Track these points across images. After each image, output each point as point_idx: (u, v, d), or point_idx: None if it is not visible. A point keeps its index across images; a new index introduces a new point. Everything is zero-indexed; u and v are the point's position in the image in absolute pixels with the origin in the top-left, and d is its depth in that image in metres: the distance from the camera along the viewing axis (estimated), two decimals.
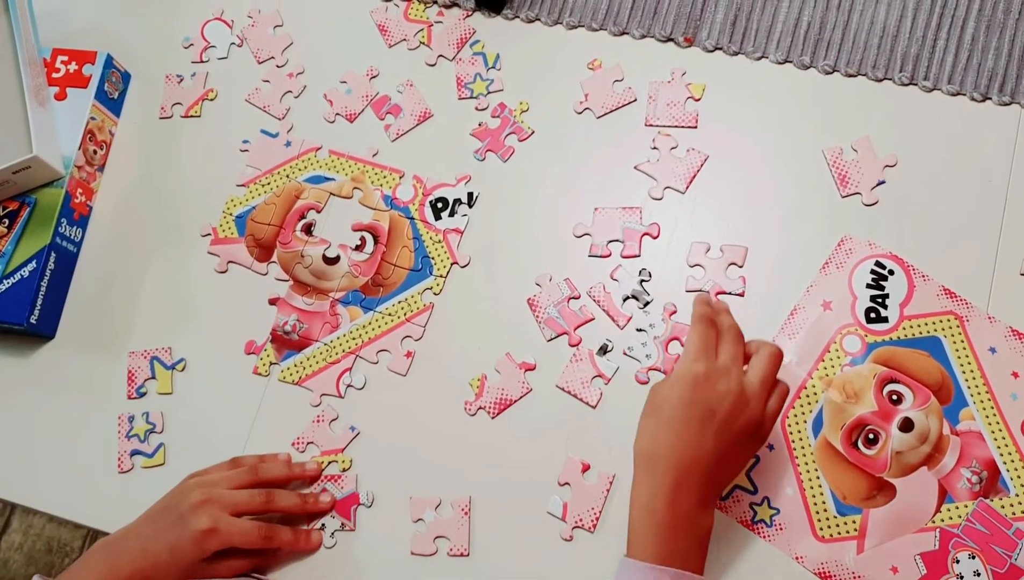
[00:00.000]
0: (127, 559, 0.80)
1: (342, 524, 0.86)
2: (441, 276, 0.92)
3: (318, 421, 0.89)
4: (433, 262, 0.92)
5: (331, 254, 0.94)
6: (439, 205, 0.94)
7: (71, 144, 0.97)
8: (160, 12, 1.06)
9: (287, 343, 0.92)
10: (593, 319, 0.88)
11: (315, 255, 0.94)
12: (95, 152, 0.99)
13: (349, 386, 0.90)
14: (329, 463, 0.88)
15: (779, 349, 0.75)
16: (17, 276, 0.92)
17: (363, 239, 0.94)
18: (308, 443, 0.88)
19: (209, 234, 0.96)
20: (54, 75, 0.99)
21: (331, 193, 0.96)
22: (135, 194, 1.00)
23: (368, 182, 0.96)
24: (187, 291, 0.95)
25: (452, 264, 0.92)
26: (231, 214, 0.97)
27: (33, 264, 0.92)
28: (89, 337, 0.95)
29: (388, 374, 0.90)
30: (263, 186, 0.97)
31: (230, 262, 0.95)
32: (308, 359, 0.91)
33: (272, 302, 0.93)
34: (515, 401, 0.87)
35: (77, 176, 0.97)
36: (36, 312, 0.92)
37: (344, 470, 0.87)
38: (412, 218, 0.94)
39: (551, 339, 0.88)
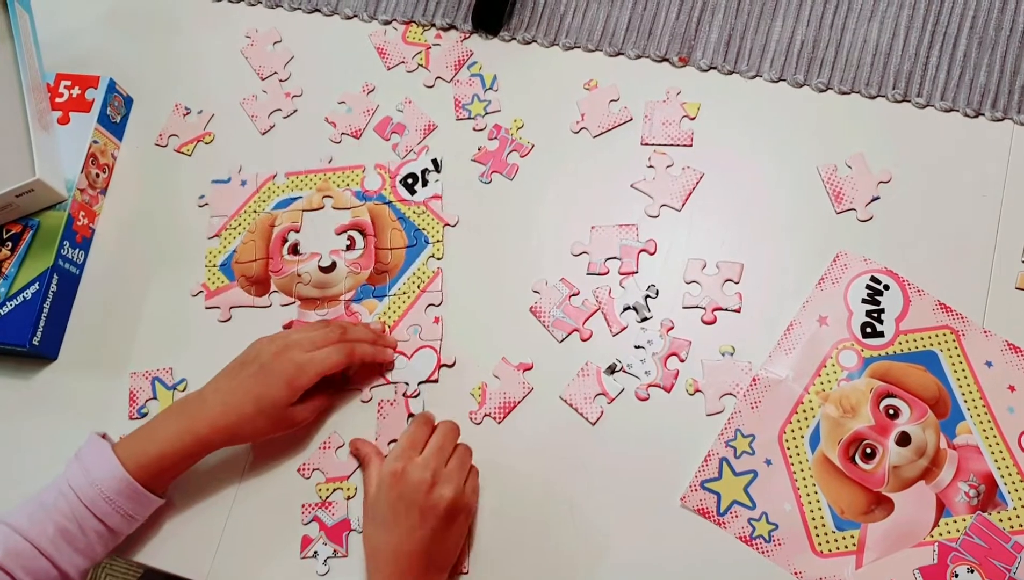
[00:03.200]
0: (205, 416, 0.82)
1: (334, 551, 0.86)
2: (438, 241, 0.94)
3: (324, 448, 0.89)
4: (425, 232, 0.94)
5: (325, 263, 0.95)
6: (410, 180, 0.97)
7: (74, 167, 0.98)
8: (162, 37, 1.08)
9: None
10: (599, 309, 0.89)
11: (311, 270, 0.95)
12: (97, 175, 1.00)
13: (394, 376, 0.90)
14: (334, 491, 0.88)
15: (454, 425, 0.84)
16: (20, 298, 0.93)
17: (351, 238, 0.96)
18: (313, 470, 0.89)
19: (201, 292, 0.97)
20: (57, 99, 1.01)
21: (303, 210, 0.98)
22: (137, 217, 1.01)
23: (334, 186, 0.98)
24: (189, 312, 0.96)
25: (443, 226, 0.94)
26: (215, 265, 0.97)
27: (36, 286, 0.93)
28: (91, 358, 0.96)
29: (429, 369, 0.91)
30: (234, 230, 0.98)
31: (232, 308, 0.96)
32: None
33: (287, 327, 0.94)
34: (518, 402, 0.88)
35: (79, 199, 0.98)
36: (39, 334, 0.93)
37: (348, 498, 0.87)
38: (389, 202, 0.96)
39: (563, 340, 0.89)
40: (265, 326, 0.94)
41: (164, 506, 0.86)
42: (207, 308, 0.96)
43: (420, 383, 0.90)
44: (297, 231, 0.97)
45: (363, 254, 0.95)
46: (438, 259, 0.93)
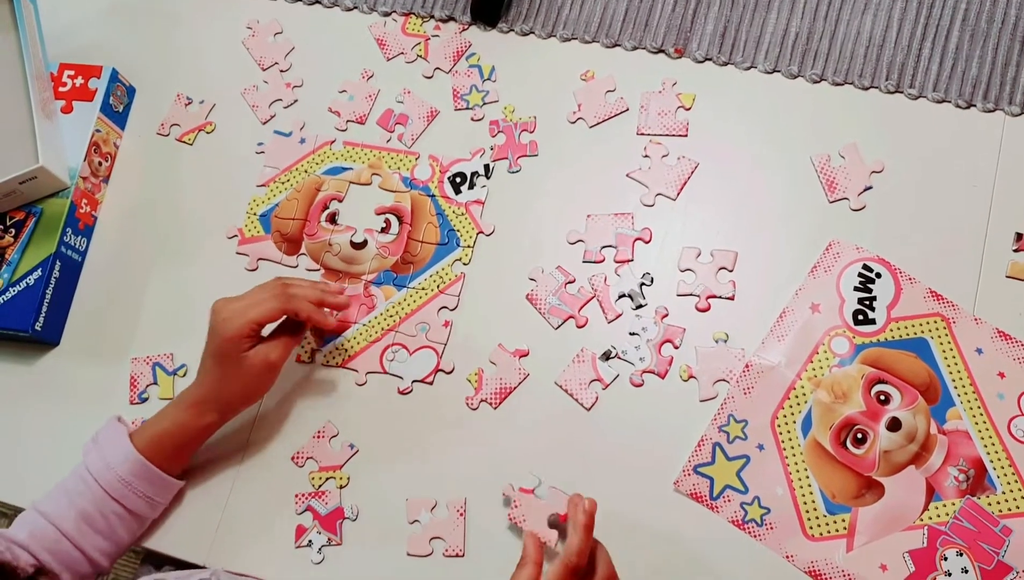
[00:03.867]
0: (190, 391, 0.86)
1: (328, 539, 0.87)
2: (469, 246, 0.94)
3: (318, 437, 0.90)
4: (459, 234, 0.95)
5: (358, 239, 0.96)
6: (457, 180, 0.97)
7: (77, 156, 0.99)
8: (165, 28, 1.09)
9: (326, 329, 0.92)
10: (595, 297, 0.90)
11: (343, 242, 0.97)
12: (100, 164, 1.02)
13: (392, 368, 0.91)
14: (327, 479, 0.89)
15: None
16: (23, 284, 0.94)
17: (387, 221, 0.97)
18: (307, 458, 0.90)
19: (236, 236, 0.99)
20: (61, 89, 1.02)
21: (351, 182, 0.99)
22: (139, 204, 1.02)
23: (385, 167, 0.98)
24: (190, 298, 0.97)
25: (477, 234, 0.94)
26: (255, 214, 0.99)
27: (38, 272, 0.94)
28: (93, 344, 0.97)
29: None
30: (282, 184, 1.00)
31: (260, 259, 0.97)
32: (349, 341, 0.93)
33: None
34: (514, 388, 0.89)
35: (82, 187, 0.99)
36: (41, 319, 0.94)
37: (341, 487, 0.88)
38: (433, 196, 0.97)
39: (559, 326, 0.90)
40: None
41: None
42: (238, 253, 0.98)
43: (415, 381, 0.91)
44: (340, 201, 0.98)
45: (395, 240, 0.96)
46: (464, 264, 0.94)
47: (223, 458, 0.91)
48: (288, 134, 1.02)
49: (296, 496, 0.89)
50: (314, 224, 0.98)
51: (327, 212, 0.98)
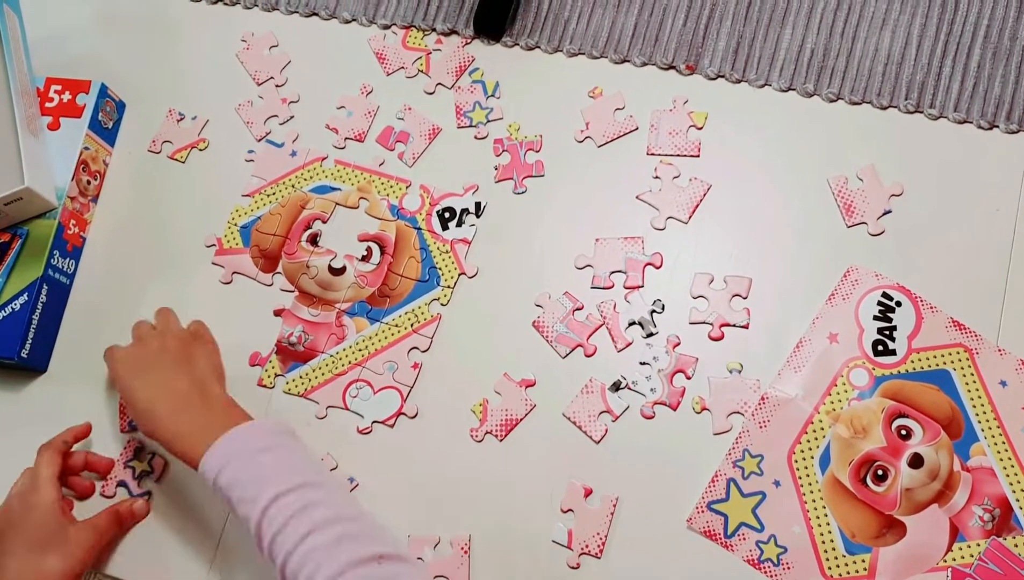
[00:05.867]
0: None
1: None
2: (448, 287, 0.91)
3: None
4: (440, 273, 0.91)
5: (337, 265, 0.93)
6: (446, 215, 0.93)
7: (64, 174, 0.95)
8: (156, 40, 1.05)
9: (292, 355, 0.91)
10: (604, 324, 0.87)
11: (321, 266, 0.93)
12: (89, 182, 0.98)
13: (353, 405, 0.88)
14: None
15: None
16: (8, 309, 0.90)
17: (369, 249, 0.93)
18: None
19: (214, 245, 0.96)
20: (47, 104, 0.98)
21: (337, 203, 0.95)
22: (129, 225, 0.98)
23: (375, 192, 0.95)
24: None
25: (459, 274, 0.91)
26: (236, 224, 0.96)
27: (25, 297, 0.91)
28: (82, 370, 0.93)
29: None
30: (268, 196, 0.97)
31: (235, 273, 0.94)
32: (314, 371, 0.90)
33: (277, 313, 0.92)
34: (520, 419, 0.86)
35: (70, 207, 0.95)
36: (27, 346, 0.91)
37: None
38: (419, 228, 0.93)
39: (566, 355, 0.87)
40: (261, 303, 0.93)
41: (154, 526, 0.86)
42: (214, 264, 0.95)
43: (375, 422, 0.87)
44: (324, 221, 0.95)
45: (375, 270, 0.92)
46: (443, 305, 0.90)
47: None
48: (280, 145, 0.98)
49: None
50: (294, 243, 0.95)
51: (309, 232, 0.95)
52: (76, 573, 0.81)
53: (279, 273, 0.94)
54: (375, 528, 0.75)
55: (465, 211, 0.93)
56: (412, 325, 0.90)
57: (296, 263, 0.94)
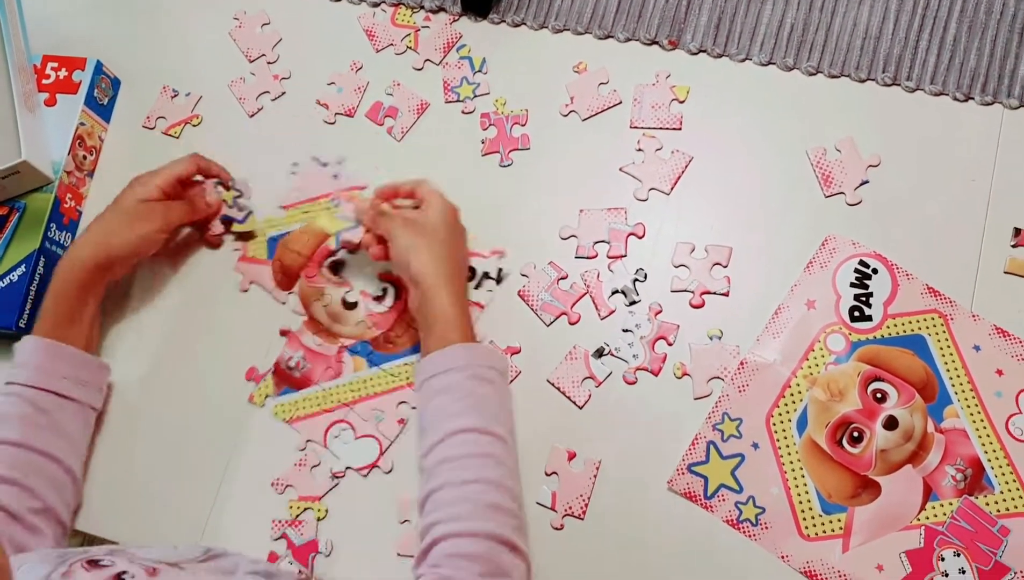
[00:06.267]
0: (71, 248, 0.89)
1: (299, 571, 0.84)
2: None
3: (300, 465, 0.88)
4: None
5: (351, 299, 0.93)
6: (467, 274, 0.91)
7: (61, 150, 0.97)
8: (150, 19, 1.07)
9: (288, 379, 0.91)
10: (587, 293, 0.89)
11: (335, 296, 0.93)
12: (84, 157, 1.00)
13: (333, 445, 0.88)
14: (305, 510, 0.86)
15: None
16: (6, 280, 0.92)
17: (385, 290, 0.93)
18: (287, 486, 0.87)
19: (239, 250, 0.96)
20: (44, 81, 1.00)
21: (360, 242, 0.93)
22: None
23: None
24: (174, 293, 0.96)
25: None
26: (265, 234, 0.96)
27: (22, 268, 0.92)
28: None
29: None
30: (304, 213, 0.96)
31: (252, 282, 0.95)
32: (304, 400, 0.90)
33: (283, 334, 0.93)
34: None
35: (66, 181, 0.97)
36: (25, 316, 0.92)
37: (319, 519, 0.86)
38: None
39: (551, 323, 0.89)
40: (271, 319, 0.93)
41: (147, 508, 0.88)
42: (235, 270, 0.95)
43: (348, 468, 0.87)
44: (351, 251, 0.94)
45: (385, 313, 0.92)
46: None
47: (203, 478, 0.90)
48: (325, 164, 0.98)
49: (273, 522, 0.86)
50: (316, 267, 0.94)
51: (332, 259, 0.94)
52: (132, 245, 0.89)
53: (294, 293, 0.94)
54: (522, 516, 0.78)
55: (486, 274, 0.92)
56: (408, 378, 0.89)
57: (313, 288, 0.94)
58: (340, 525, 0.86)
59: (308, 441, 0.89)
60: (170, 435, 0.91)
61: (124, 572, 0.67)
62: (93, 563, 0.68)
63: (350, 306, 0.93)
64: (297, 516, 0.86)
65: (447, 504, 0.76)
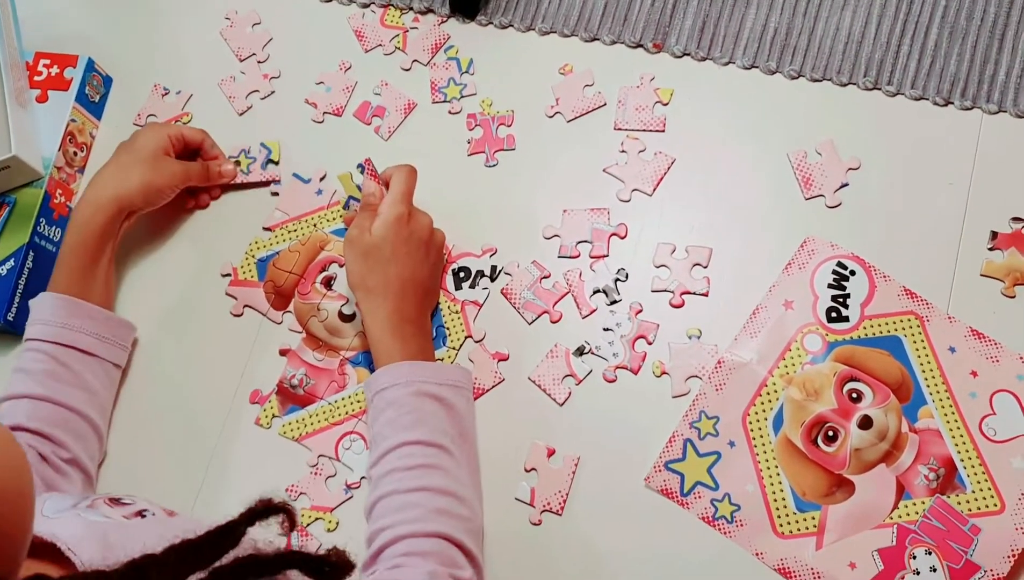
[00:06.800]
0: (85, 197, 0.90)
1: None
2: (454, 348, 0.90)
3: (316, 474, 0.88)
4: (448, 333, 0.91)
5: (348, 311, 0.93)
6: (461, 274, 0.92)
7: (51, 145, 0.98)
8: (142, 17, 1.08)
9: (292, 397, 0.91)
10: (569, 292, 0.90)
11: (332, 310, 0.93)
12: (75, 154, 1.01)
13: (345, 457, 0.88)
14: (316, 519, 0.86)
15: (414, 168, 0.89)
16: None
17: None
18: (300, 493, 0.87)
19: (229, 274, 0.96)
20: (36, 78, 1.01)
21: None
22: None
23: None
24: (164, 287, 0.97)
25: (466, 337, 0.90)
26: (253, 256, 0.96)
27: (11, 262, 0.94)
28: None
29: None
30: (289, 232, 0.96)
31: (246, 306, 0.95)
32: (311, 416, 0.90)
33: (283, 353, 0.93)
34: (487, 390, 0.88)
35: (57, 177, 0.98)
36: (13, 310, 0.93)
37: (329, 530, 0.86)
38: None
39: (533, 321, 0.90)
40: (266, 341, 0.93)
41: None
42: (227, 294, 0.95)
43: (363, 478, 0.87)
44: (341, 265, 0.94)
45: None
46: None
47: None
48: (307, 181, 0.98)
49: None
50: (309, 283, 0.94)
51: (324, 274, 0.94)
52: (150, 190, 0.91)
53: (289, 312, 0.94)
54: (474, 522, 0.79)
55: (480, 273, 0.92)
56: None
57: (308, 304, 0.94)
58: (350, 539, 0.83)
59: (320, 455, 0.88)
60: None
61: (145, 509, 0.69)
62: (115, 500, 0.70)
63: (347, 318, 0.93)
64: (308, 525, 0.86)
65: (394, 510, 0.77)
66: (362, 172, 0.93)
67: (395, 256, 0.84)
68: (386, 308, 0.84)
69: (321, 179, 0.98)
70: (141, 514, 0.68)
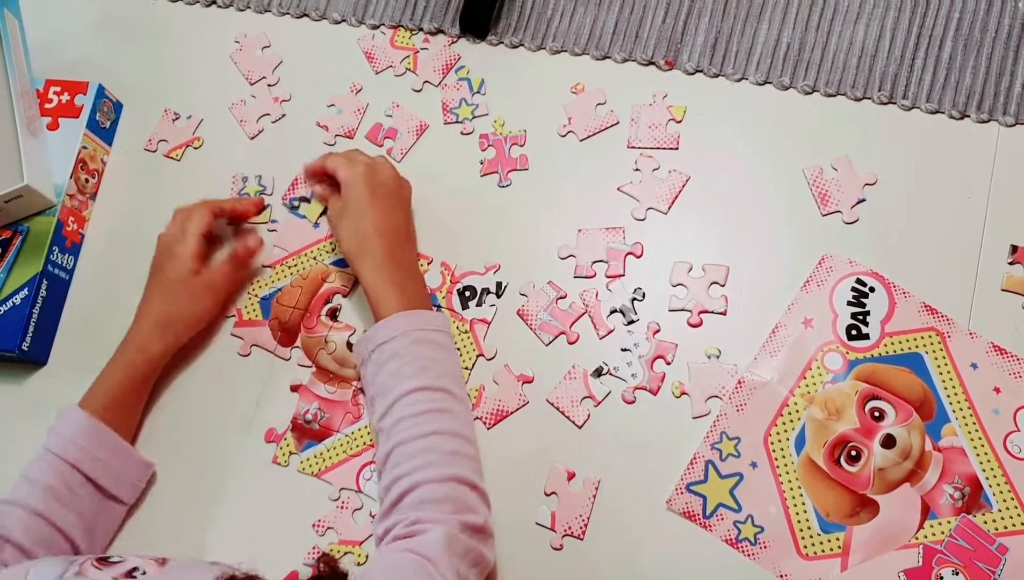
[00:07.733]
0: (132, 333, 0.90)
1: None
2: (466, 368, 0.89)
3: (342, 507, 0.87)
4: (459, 353, 0.90)
5: (355, 340, 0.92)
6: (467, 294, 0.92)
7: (63, 173, 0.98)
8: (151, 42, 1.08)
9: (307, 433, 0.90)
10: (586, 312, 0.89)
11: (339, 341, 0.93)
12: (87, 181, 1.01)
13: (367, 488, 0.87)
14: (345, 554, 0.85)
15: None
16: (9, 304, 0.93)
17: None
18: (328, 528, 0.87)
19: (233, 315, 0.96)
20: (46, 105, 1.01)
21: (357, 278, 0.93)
22: (127, 222, 1.01)
23: None
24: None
25: (478, 356, 0.90)
26: (256, 295, 0.96)
27: (25, 291, 0.93)
28: (81, 363, 0.95)
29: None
30: (289, 268, 0.96)
31: (253, 345, 0.94)
32: (328, 450, 0.89)
33: (294, 389, 0.92)
34: (511, 413, 0.88)
35: (69, 204, 0.98)
36: (28, 339, 0.93)
37: (359, 564, 0.85)
38: (439, 306, 0.92)
39: (550, 342, 0.89)
40: (276, 378, 0.93)
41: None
42: (232, 335, 0.95)
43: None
44: (345, 295, 0.94)
45: None
46: None
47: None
48: (303, 217, 0.98)
49: (309, 554, 0.86)
50: (314, 317, 0.94)
51: (329, 306, 0.94)
52: (203, 319, 0.92)
53: (297, 347, 0.93)
54: (478, 458, 0.82)
55: (486, 290, 0.92)
56: None
57: (315, 338, 0.93)
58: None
59: (342, 489, 0.88)
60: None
61: (135, 568, 0.69)
62: (103, 560, 0.70)
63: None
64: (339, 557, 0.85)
65: (410, 456, 0.79)
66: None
67: (372, 204, 0.88)
68: (377, 256, 0.87)
69: (319, 215, 0.98)
70: (131, 574, 0.68)
